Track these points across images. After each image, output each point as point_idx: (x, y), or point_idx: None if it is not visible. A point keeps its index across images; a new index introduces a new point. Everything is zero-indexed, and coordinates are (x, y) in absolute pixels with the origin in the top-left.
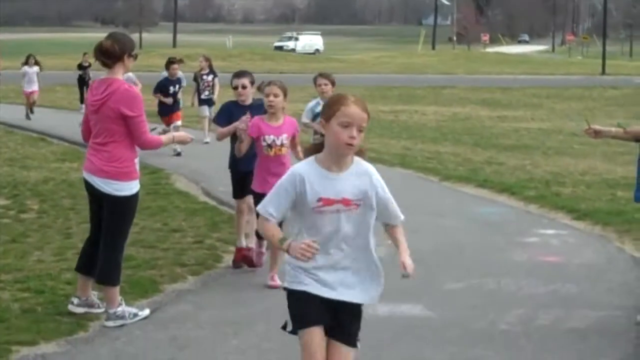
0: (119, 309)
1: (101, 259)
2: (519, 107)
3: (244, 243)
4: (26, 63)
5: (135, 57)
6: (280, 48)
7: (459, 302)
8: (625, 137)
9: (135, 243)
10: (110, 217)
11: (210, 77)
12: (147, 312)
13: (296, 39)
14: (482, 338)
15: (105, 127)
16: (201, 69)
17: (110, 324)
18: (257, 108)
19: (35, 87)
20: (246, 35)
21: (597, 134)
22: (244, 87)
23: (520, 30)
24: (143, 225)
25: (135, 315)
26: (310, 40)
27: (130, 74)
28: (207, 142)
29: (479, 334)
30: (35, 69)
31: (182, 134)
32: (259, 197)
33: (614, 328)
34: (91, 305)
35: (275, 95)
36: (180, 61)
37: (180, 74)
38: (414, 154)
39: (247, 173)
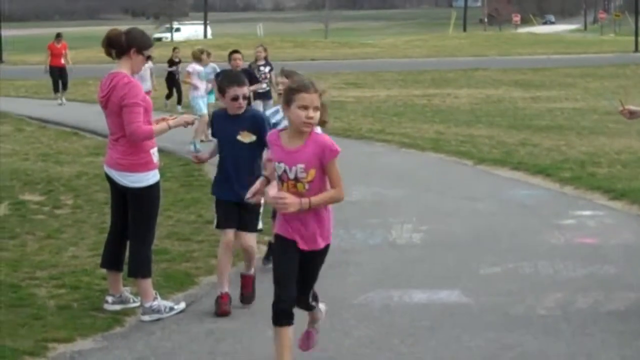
0: (155, 302)
1: (130, 252)
2: (552, 88)
3: (225, 288)
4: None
5: (149, 57)
6: (159, 39)
7: (496, 287)
8: None
9: (170, 236)
10: (133, 209)
11: (267, 69)
12: (183, 305)
13: (177, 29)
14: (521, 323)
15: (114, 121)
16: (257, 60)
17: (147, 318)
18: (253, 119)
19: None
20: (277, 22)
21: (632, 114)
22: (245, 97)
23: (551, 10)
24: (177, 218)
25: (171, 309)
26: (195, 31)
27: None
28: None
29: (517, 319)
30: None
31: (177, 119)
32: (277, 241)
33: None
34: (126, 301)
35: (315, 109)
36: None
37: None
38: (448, 137)
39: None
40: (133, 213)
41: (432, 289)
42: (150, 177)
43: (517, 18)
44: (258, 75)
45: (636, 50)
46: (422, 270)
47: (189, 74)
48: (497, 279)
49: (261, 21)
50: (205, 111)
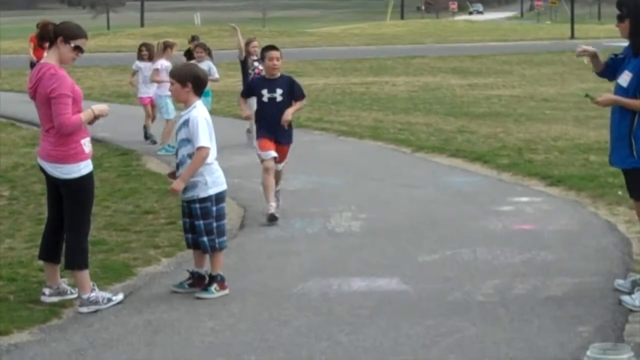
0: (92, 294)
1: (66, 244)
2: (490, 75)
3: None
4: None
5: (78, 49)
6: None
7: (435, 274)
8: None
9: (108, 226)
10: (67, 201)
11: (260, 65)
12: (121, 296)
13: None
14: (459, 310)
15: (44, 113)
16: (250, 54)
17: (84, 309)
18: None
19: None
20: (214, 11)
21: (584, 51)
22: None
23: None
24: (115, 208)
25: (109, 300)
26: None
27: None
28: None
29: (455, 305)
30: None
31: (102, 106)
32: None
33: (591, 294)
34: (63, 293)
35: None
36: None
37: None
38: (386, 125)
39: None
40: (67, 204)
41: (371, 277)
42: (82, 168)
43: (454, 6)
44: (251, 70)
45: (572, 37)
46: (361, 258)
47: (157, 71)
48: (435, 266)
49: (198, 10)
50: (172, 116)
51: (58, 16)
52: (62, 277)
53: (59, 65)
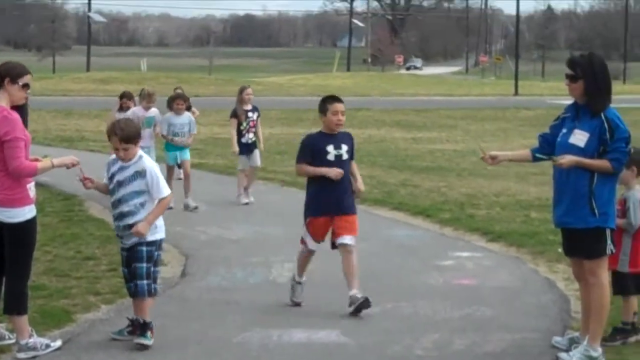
0: (30, 340)
1: (6, 288)
2: (434, 129)
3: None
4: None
5: (24, 85)
6: None
7: (375, 327)
8: (520, 160)
9: (48, 272)
10: (9, 245)
11: (255, 115)
12: (59, 342)
13: None
14: None
15: None
16: (243, 103)
17: (22, 355)
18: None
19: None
20: (161, 57)
21: (493, 159)
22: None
23: (433, 51)
24: (56, 254)
25: (47, 346)
26: None
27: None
28: (247, 203)
29: (394, 359)
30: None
31: (62, 159)
32: None
33: (529, 351)
34: (1, 338)
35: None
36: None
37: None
38: None
39: None
40: (9, 249)
41: (312, 329)
42: (27, 212)
43: (400, 59)
44: (245, 123)
45: (516, 93)
46: (302, 309)
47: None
48: (376, 318)
49: (145, 56)
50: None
51: (3, 58)
52: (0, 321)
53: (10, 105)
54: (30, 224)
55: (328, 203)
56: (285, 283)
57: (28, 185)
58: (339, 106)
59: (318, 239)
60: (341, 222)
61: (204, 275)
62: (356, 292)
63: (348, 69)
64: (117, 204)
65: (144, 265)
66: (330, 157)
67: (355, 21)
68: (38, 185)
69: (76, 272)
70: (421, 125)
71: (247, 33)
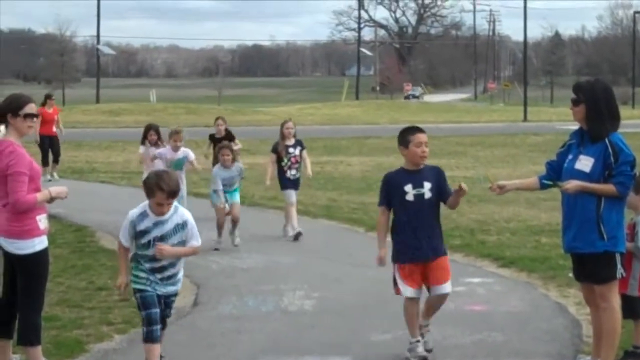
0: None
1: (20, 319)
2: (443, 156)
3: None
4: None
5: (26, 116)
6: None
7: (386, 353)
8: (528, 188)
9: (61, 303)
10: (21, 276)
11: (297, 150)
12: None
13: None
14: None
15: (1, 188)
16: (285, 138)
17: None
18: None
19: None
20: (170, 88)
21: (501, 189)
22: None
23: (442, 79)
24: (68, 285)
25: None
26: None
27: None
28: (297, 237)
29: None
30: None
31: (60, 189)
32: None
33: None
34: None
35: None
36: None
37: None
38: (340, 204)
39: None
40: (21, 280)
41: (324, 356)
42: (36, 244)
43: (408, 87)
44: (286, 159)
45: (525, 119)
46: (314, 336)
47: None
48: (387, 345)
49: (154, 87)
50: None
51: (13, 90)
52: (14, 352)
53: (19, 141)
54: (40, 255)
55: (414, 247)
56: (296, 311)
57: (38, 217)
58: (422, 137)
59: (410, 285)
60: (431, 268)
61: (215, 304)
62: (425, 323)
63: (357, 98)
64: (156, 258)
65: (170, 313)
66: (409, 197)
67: (364, 50)
68: (50, 217)
69: (89, 302)
70: (430, 152)
71: (255, 63)
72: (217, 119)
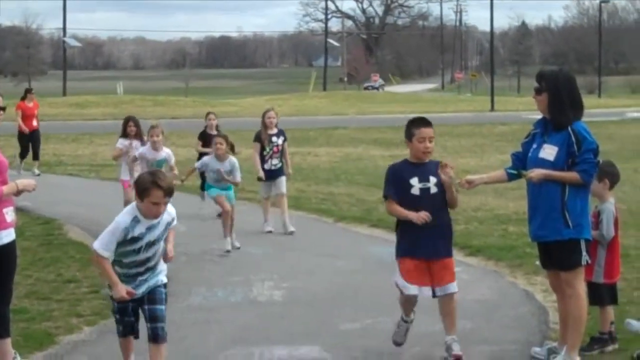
0: None
1: None
2: None
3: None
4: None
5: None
6: None
7: (355, 342)
8: (496, 181)
9: (29, 295)
10: None
11: (280, 140)
12: None
13: None
14: None
15: None
16: (267, 127)
17: None
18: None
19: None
20: (137, 80)
21: (470, 184)
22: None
23: (409, 69)
24: (37, 277)
25: None
26: None
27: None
28: (270, 231)
29: None
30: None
31: (25, 180)
32: None
33: None
34: None
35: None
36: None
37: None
38: (308, 195)
39: None
40: None
41: (293, 345)
42: (3, 237)
43: (376, 77)
44: (268, 148)
45: (492, 109)
46: (283, 326)
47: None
48: (356, 334)
49: (121, 79)
50: None
51: None
52: None
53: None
54: (7, 248)
55: (418, 243)
56: (265, 302)
57: (5, 210)
58: (426, 131)
59: (412, 282)
60: (437, 268)
61: (185, 296)
62: (452, 341)
63: (324, 89)
64: (144, 262)
65: (164, 307)
66: (415, 190)
67: (331, 41)
68: (17, 209)
69: (57, 294)
70: (398, 143)
71: (222, 55)
72: (208, 114)
